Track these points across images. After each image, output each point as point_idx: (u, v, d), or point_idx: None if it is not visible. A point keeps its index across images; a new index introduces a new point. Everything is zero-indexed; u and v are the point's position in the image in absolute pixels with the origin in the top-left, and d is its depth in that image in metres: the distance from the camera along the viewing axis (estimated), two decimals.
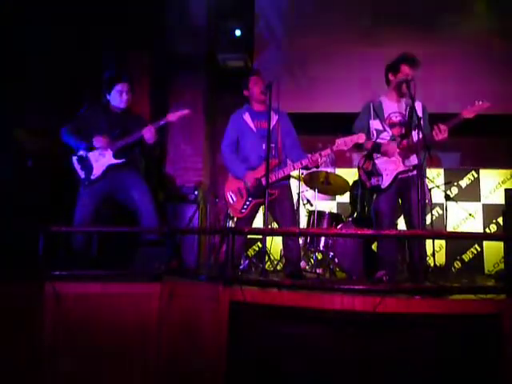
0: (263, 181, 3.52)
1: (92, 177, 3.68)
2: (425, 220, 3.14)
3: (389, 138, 3.61)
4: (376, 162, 3.61)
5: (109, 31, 5.43)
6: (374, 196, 3.65)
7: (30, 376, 2.66)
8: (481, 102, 3.35)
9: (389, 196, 3.58)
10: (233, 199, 3.75)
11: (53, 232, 3.10)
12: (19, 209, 4.00)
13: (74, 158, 3.74)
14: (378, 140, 3.63)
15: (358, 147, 3.72)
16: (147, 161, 4.11)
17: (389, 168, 3.56)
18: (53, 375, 2.70)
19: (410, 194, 3.50)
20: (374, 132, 3.66)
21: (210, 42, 6.48)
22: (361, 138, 3.48)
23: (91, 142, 3.66)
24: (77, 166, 3.73)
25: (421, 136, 3.25)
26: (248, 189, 3.68)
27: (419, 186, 3.19)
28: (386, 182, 3.55)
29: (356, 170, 3.86)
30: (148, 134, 3.65)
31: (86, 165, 3.71)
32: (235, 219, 4.08)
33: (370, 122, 3.69)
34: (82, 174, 3.70)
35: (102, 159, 3.71)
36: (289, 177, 3.84)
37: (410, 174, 3.52)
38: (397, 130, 3.62)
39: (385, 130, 3.64)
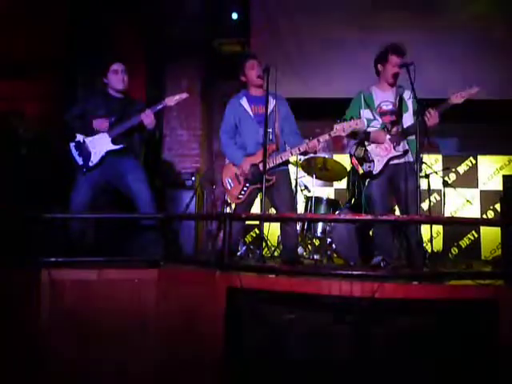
0: (261, 166, 3.50)
1: (90, 163, 3.65)
2: (419, 206, 3.15)
3: (379, 126, 3.68)
4: (368, 148, 3.68)
5: (106, 19, 5.37)
6: (367, 183, 3.67)
7: (26, 364, 2.66)
8: (470, 88, 3.40)
9: (380, 182, 3.65)
10: (230, 185, 3.74)
11: (49, 218, 3.08)
12: (15, 195, 3.98)
13: (72, 145, 3.72)
14: (368, 129, 3.69)
15: (352, 136, 3.74)
16: (147, 147, 4.09)
17: (380, 154, 3.62)
18: (49, 363, 2.70)
19: (401, 180, 3.56)
20: (365, 121, 3.70)
21: (207, 26, 6.40)
22: (359, 124, 3.49)
23: (91, 126, 3.65)
24: (74, 153, 3.70)
25: (415, 122, 3.35)
26: (245, 175, 3.66)
27: (417, 171, 3.22)
28: (377, 167, 3.62)
29: None
30: (147, 118, 3.62)
31: (84, 151, 3.68)
32: (233, 205, 4.06)
33: (361, 111, 3.75)
34: (79, 161, 3.67)
35: (100, 145, 3.68)
36: (287, 162, 3.82)
37: (402, 159, 3.59)
38: (387, 117, 3.70)
39: (375, 119, 3.70)
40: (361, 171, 3.68)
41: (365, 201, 3.68)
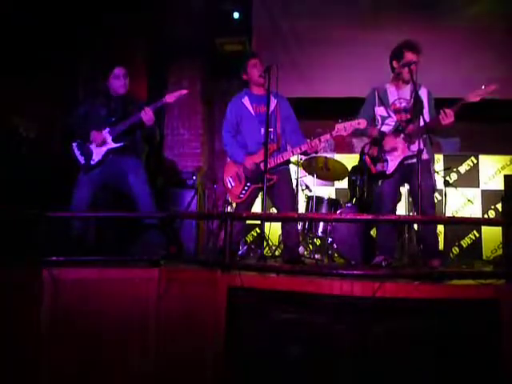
0: (262, 166, 3.50)
1: (92, 162, 3.67)
2: (420, 204, 3.14)
3: (393, 123, 3.62)
4: (382, 145, 3.60)
5: (107, 18, 5.37)
6: (380, 182, 3.65)
7: (28, 363, 2.66)
8: (486, 86, 3.33)
9: (393, 182, 3.61)
10: (231, 184, 3.73)
11: (50, 217, 3.08)
12: (16, 195, 3.97)
13: (74, 144, 3.75)
14: (383, 126, 3.64)
15: (360, 134, 3.70)
16: (149, 146, 4.10)
17: (394, 154, 3.56)
18: (50, 362, 2.70)
19: (415, 179, 3.49)
20: (379, 118, 3.67)
21: (208, 26, 6.39)
22: (361, 123, 3.46)
23: (88, 138, 3.69)
24: (76, 152, 3.73)
25: (423, 121, 3.27)
26: (246, 174, 3.66)
27: (420, 171, 3.20)
28: (391, 167, 3.57)
29: (355, 155, 3.85)
30: (146, 116, 3.62)
31: (86, 150, 3.71)
32: (234, 205, 4.06)
33: (375, 108, 3.70)
34: (81, 160, 3.69)
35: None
36: (288, 162, 3.82)
37: (416, 159, 3.51)
38: (401, 115, 3.63)
39: (389, 116, 3.65)
40: (373, 171, 3.64)
41: (375, 199, 3.66)
